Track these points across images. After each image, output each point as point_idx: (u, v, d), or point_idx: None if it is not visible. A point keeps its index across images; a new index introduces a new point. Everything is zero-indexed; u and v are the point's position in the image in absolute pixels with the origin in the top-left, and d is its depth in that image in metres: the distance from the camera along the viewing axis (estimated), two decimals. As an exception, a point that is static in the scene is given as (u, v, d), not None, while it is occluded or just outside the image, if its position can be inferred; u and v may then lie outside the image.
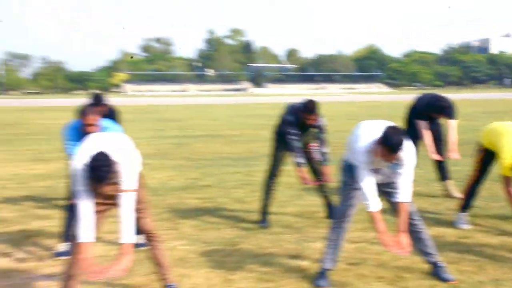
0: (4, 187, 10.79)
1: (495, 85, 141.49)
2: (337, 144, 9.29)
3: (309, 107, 7.10)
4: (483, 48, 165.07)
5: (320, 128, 7.44)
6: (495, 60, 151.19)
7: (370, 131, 5.00)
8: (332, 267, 5.49)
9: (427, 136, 8.89)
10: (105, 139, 4.95)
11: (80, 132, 5.82)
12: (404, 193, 5.12)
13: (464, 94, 73.68)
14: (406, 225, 5.14)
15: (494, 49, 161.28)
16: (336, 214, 5.58)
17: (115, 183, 4.60)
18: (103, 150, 4.54)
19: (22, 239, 7.21)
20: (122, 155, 4.73)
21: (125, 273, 4.70)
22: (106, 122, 6.22)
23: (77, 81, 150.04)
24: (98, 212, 4.81)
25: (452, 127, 8.96)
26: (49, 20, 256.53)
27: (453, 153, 9.01)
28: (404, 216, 5.12)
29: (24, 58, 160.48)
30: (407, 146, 4.89)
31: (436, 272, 5.49)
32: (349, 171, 5.36)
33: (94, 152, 4.53)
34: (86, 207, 4.62)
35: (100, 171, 4.40)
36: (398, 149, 4.71)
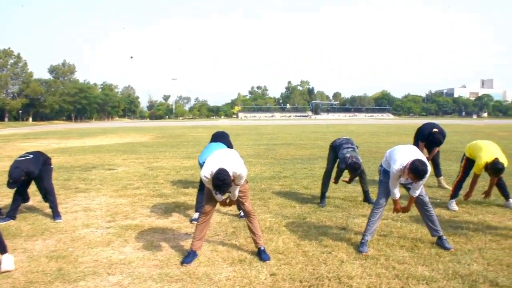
0: (168, 174, 10.43)
1: (457, 116, 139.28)
2: (365, 151, 8.41)
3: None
4: (450, 93, 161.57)
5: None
6: (456, 101, 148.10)
7: (404, 157, 4.55)
8: (371, 238, 4.86)
9: (423, 150, 8.13)
10: (224, 155, 4.41)
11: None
12: (414, 191, 4.66)
13: (438, 121, 70.96)
14: (411, 205, 4.86)
15: (456, 94, 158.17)
16: (376, 202, 4.92)
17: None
18: (224, 166, 4.09)
19: (173, 208, 6.79)
20: (235, 165, 4.22)
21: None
22: (220, 144, 5.73)
23: (213, 111, 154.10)
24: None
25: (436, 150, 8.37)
26: (202, 76, 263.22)
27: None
28: (411, 201, 4.82)
29: (186, 98, 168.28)
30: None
31: (440, 243, 4.80)
32: (385, 173, 4.85)
33: (218, 167, 4.09)
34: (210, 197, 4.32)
35: (222, 186, 3.99)
36: (423, 178, 4.41)
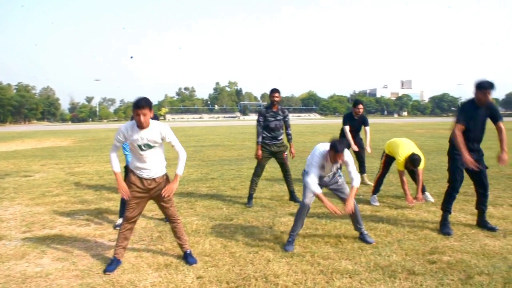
0: (91, 179, 10.04)
1: (379, 115, 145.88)
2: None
3: (272, 89, 6.95)
4: (372, 94, 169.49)
5: (285, 114, 7.01)
6: (379, 101, 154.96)
7: (324, 145, 4.83)
8: (296, 236, 4.97)
9: (349, 135, 8.70)
10: None
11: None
12: (356, 181, 4.84)
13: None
14: (353, 198, 4.87)
15: (378, 94, 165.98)
16: (302, 203, 4.99)
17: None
18: None
19: (96, 214, 6.53)
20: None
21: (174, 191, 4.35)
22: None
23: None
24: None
25: (368, 131, 8.98)
26: (126, 78, 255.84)
27: (368, 148, 8.90)
28: (353, 194, 4.88)
29: (111, 100, 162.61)
30: (347, 152, 4.80)
31: (362, 237, 5.03)
32: (307, 175, 4.93)
33: None
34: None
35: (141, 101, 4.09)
36: (341, 150, 4.60)
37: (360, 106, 8.61)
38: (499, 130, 5.28)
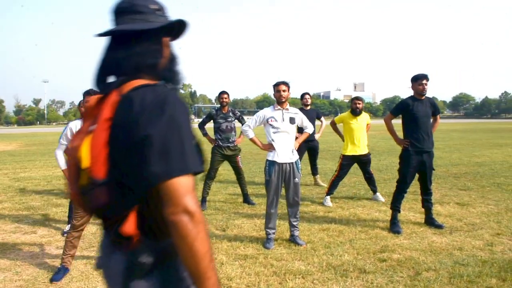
0: (38, 184, 9.65)
1: (333, 117, 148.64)
2: (246, 153, 8.61)
3: (220, 92, 7.11)
4: (326, 96, 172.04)
5: (237, 116, 7.11)
6: (333, 103, 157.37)
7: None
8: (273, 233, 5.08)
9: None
10: None
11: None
12: (309, 128, 5.33)
13: (317, 122, 75.19)
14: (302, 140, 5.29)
15: (332, 97, 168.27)
16: (267, 204, 5.03)
17: None
18: None
19: (43, 221, 6.29)
20: None
21: None
22: None
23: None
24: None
25: (323, 121, 9.40)
26: (76, 80, 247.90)
27: (317, 135, 9.12)
28: (303, 138, 5.34)
29: (60, 103, 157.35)
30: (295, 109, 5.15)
31: (293, 239, 5.07)
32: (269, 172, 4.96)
33: None
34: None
35: None
36: (279, 82, 4.97)
37: (307, 96, 8.72)
38: (434, 119, 5.84)
